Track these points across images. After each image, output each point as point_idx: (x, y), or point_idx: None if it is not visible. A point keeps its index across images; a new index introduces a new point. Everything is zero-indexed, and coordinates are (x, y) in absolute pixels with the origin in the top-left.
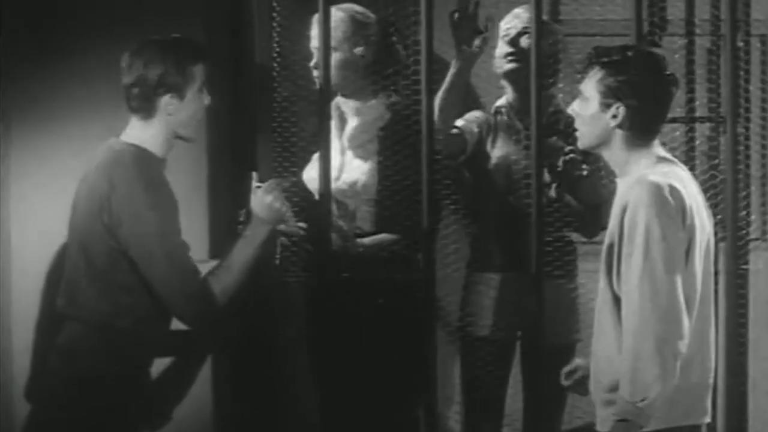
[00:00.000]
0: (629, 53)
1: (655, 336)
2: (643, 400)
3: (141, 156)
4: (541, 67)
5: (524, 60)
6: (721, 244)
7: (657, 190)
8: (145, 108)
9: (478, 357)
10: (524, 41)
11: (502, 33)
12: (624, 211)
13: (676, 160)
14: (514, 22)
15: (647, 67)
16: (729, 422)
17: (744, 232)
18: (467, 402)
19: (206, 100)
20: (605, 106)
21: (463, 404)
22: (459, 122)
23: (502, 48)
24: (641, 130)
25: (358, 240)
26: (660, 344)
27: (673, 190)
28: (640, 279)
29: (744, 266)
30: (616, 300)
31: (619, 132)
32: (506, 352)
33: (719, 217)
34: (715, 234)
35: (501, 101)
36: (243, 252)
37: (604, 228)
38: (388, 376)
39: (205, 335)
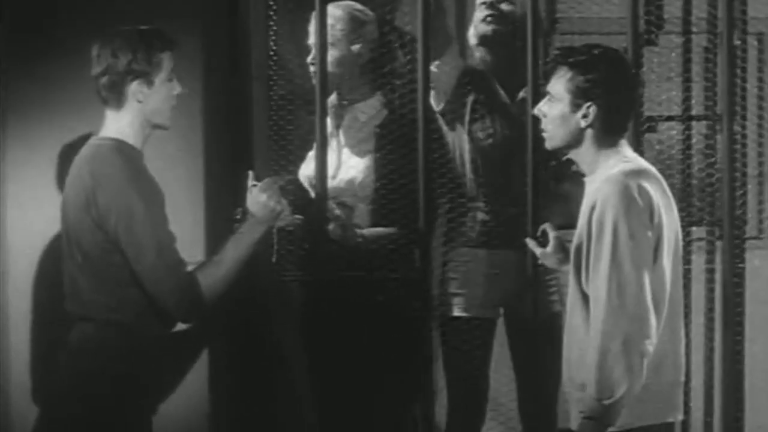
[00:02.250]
0: (595, 52)
1: (621, 335)
2: (609, 399)
3: (119, 147)
4: (536, 63)
5: (503, 23)
6: (718, 243)
7: (625, 189)
8: (115, 97)
9: (458, 337)
10: (504, 6)
11: (479, 1)
12: (592, 209)
13: (642, 160)
14: None
15: (615, 66)
16: (726, 420)
17: (740, 230)
18: (451, 386)
19: (177, 89)
20: (575, 107)
21: (447, 389)
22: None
23: (480, 12)
24: (610, 129)
25: (358, 231)
26: (626, 343)
27: (641, 189)
28: (607, 278)
29: (741, 265)
30: (586, 299)
31: (589, 132)
32: (487, 329)
33: (716, 215)
34: (711, 233)
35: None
36: (235, 249)
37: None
38: (385, 374)
39: (194, 330)
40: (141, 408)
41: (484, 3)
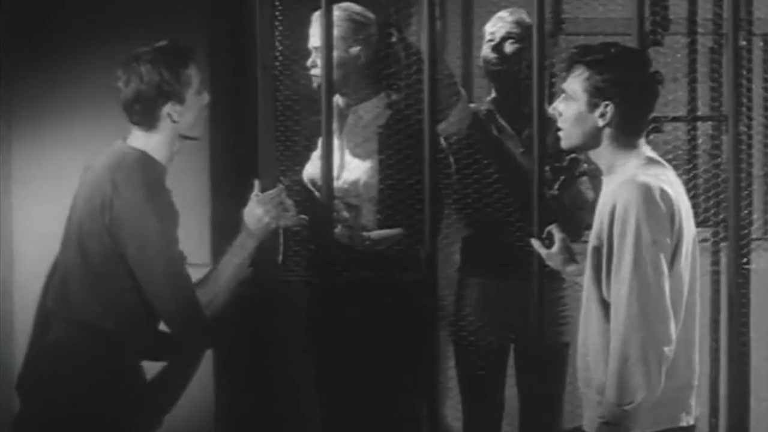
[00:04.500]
0: (613, 51)
1: (641, 340)
2: (629, 404)
3: (145, 161)
4: (542, 68)
5: (508, 64)
6: (723, 244)
7: (647, 192)
8: (148, 120)
9: (473, 361)
10: (508, 46)
11: (487, 36)
12: (612, 212)
13: (664, 161)
14: (498, 25)
15: (633, 65)
16: (731, 422)
17: (746, 231)
18: (466, 406)
19: (206, 98)
20: (593, 106)
21: (462, 408)
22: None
23: (486, 52)
24: (629, 128)
25: (365, 233)
26: (645, 348)
27: (663, 192)
28: (629, 283)
29: (746, 266)
30: (604, 303)
31: (607, 131)
32: (500, 356)
33: (721, 216)
34: (717, 233)
35: (488, 105)
36: (230, 263)
37: (587, 229)
38: (390, 375)
39: (189, 343)
40: (122, 415)
41: (490, 41)
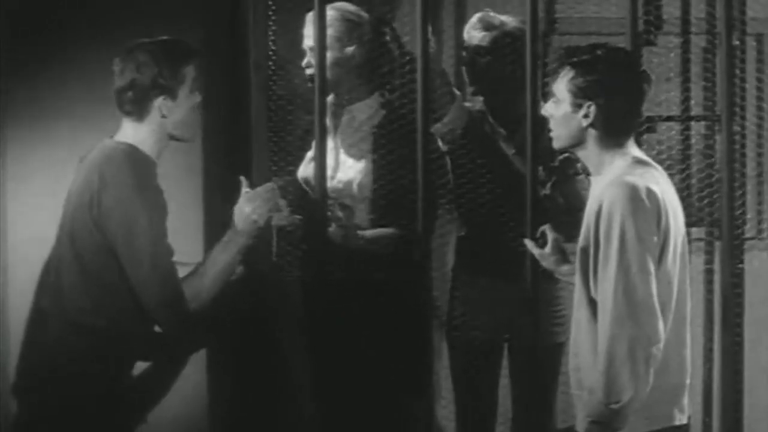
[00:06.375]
0: (599, 52)
1: (628, 340)
2: (617, 403)
3: (133, 154)
4: (535, 69)
5: (486, 78)
6: (718, 243)
7: (633, 191)
8: (138, 111)
9: (467, 360)
10: (479, 60)
11: (463, 46)
12: (599, 211)
13: (651, 161)
14: (470, 34)
15: (617, 66)
16: (724, 422)
17: (740, 231)
18: (460, 405)
19: (197, 98)
20: (576, 106)
21: (456, 407)
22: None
23: (463, 65)
24: (614, 129)
25: (359, 233)
26: (633, 348)
27: (649, 191)
28: (614, 282)
29: (740, 265)
30: (592, 302)
31: (592, 132)
32: (494, 355)
33: (715, 216)
34: (710, 233)
35: (480, 105)
36: (218, 259)
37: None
38: (385, 375)
39: (176, 339)
40: (111, 412)
41: (464, 54)
